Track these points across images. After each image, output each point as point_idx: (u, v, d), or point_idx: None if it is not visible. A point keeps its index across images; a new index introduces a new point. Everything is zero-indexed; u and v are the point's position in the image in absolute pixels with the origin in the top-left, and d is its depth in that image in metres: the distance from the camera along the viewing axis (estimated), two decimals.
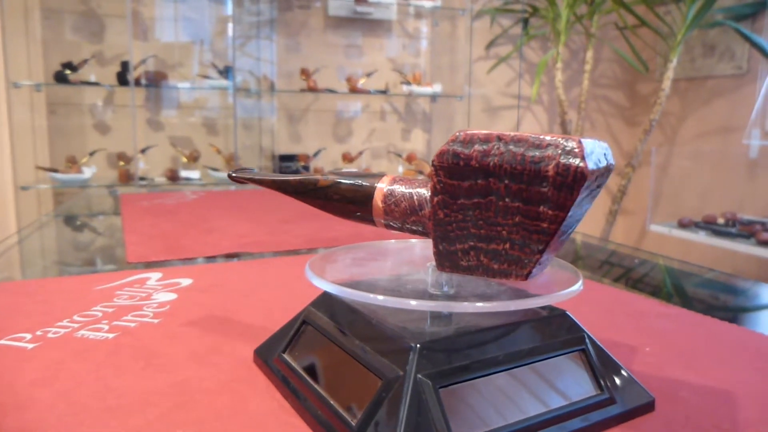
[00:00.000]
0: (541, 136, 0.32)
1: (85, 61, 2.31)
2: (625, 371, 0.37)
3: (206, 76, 2.52)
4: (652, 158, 3.14)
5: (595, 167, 0.31)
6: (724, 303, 0.68)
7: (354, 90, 2.71)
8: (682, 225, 2.55)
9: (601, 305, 0.60)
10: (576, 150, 0.31)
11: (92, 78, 2.33)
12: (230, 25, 2.55)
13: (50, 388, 0.41)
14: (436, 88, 2.85)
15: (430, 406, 0.30)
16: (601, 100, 3.34)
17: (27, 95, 2.28)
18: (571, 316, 0.38)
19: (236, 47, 2.56)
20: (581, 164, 0.30)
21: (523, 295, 0.38)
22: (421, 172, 2.84)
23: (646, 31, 3.00)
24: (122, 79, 2.34)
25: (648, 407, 0.37)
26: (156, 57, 2.48)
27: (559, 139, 0.31)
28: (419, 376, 0.31)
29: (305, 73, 2.64)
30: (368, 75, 2.76)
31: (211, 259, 0.79)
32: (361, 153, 2.80)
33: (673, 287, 0.74)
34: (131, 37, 2.33)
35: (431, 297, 0.38)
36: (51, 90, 2.33)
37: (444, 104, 3.04)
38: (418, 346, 0.32)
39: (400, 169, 2.90)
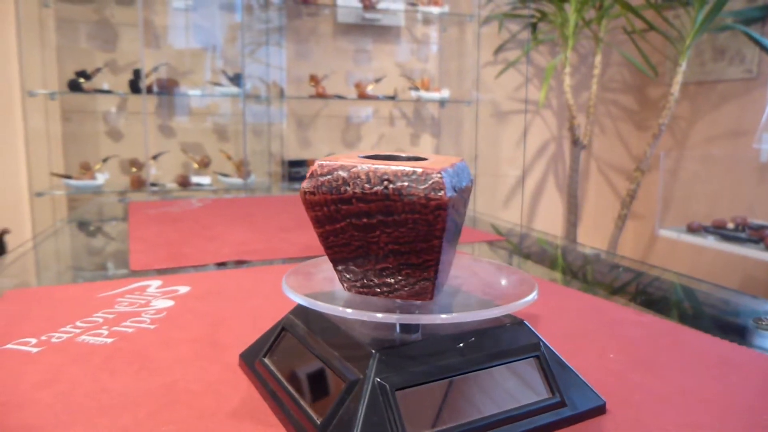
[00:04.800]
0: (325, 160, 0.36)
1: (98, 70, 2.36)
2: (578, 376, 0.40)
3: (217, 83, 2.57)
4: (661, 163, 3.14)
5: (314, 190, 0.35)
6: (699, 312, 0.70)
7: (363, 96, 2.74)
8: (692, 230, 2.55)
9: (577, 313, 0.62)
10: (311, 170, 0.35)
11: (105, 86, 2.39)
12: (241, 33, 2.60)
13: (50, 390, 0.44)
14: (445, 93, 2.88)
15: (386, 407, 0.33)
16: (611, 105, 3.35)
17: (42, 103, 2.35)
18: (528, 325, 0.41)
19: (246, 54, 2.61)
20: (303, 184, 0.36)
21: (487, 305, 0.41)
22: None
23: (654, 35, 3.00)
24: (134, 86, 2.40)
25: (599, 410, 0.39)
26: (168, 65, 2.53)
27: (322, 161, 0.36)
28: (377, 379, 0.34)
29: (314, 79, 2.68)
30: (377, 81, 2.80)
31: (210, 267, 0.82)
32: None
33: (653, 296, 0.77)
34: (143, 45, 2.39)
35: (400, 308, 0.41)
36: (65, 98, 2.39)
37: (452, 109, 3.06)
38: (377, 352, 0.35)
39: None
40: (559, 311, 0.62)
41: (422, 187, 0.33)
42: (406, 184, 0.33)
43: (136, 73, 2.40)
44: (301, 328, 0.43)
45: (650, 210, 3.28)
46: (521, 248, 1.07)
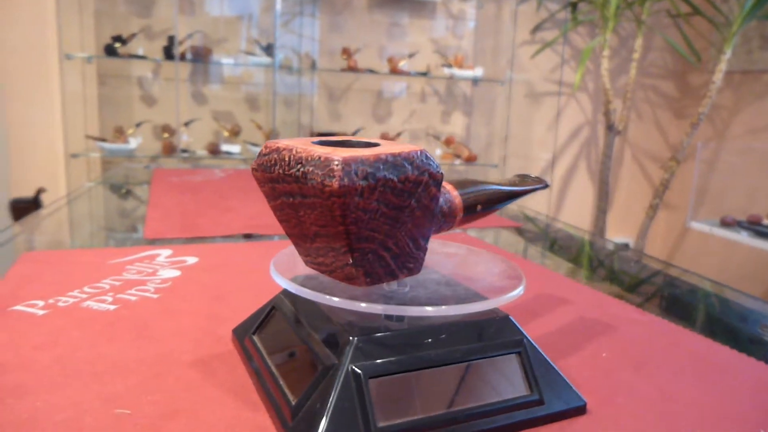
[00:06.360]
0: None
1: (134, 35, 2.39)
2: (560, 375, 0.40)
3: (251, 53, 2.57)
4: (697, 153, 3.05)
5: (257, 167, 0.37)
6: (706, 315, 0.69)
7: (394, 71, 2.72)
8: (725, 224, 2.48)
9: (578, 308, 0.61)
10: (261, 150, 0.37)
11: (140, 51, 2.41)
12: (275, 2, 2.59)
13: (49, 352, 0.46)
14: (478, 71, 2.83)
15: (358, 395, 0.34)
16: (650, 90, 3.25)
17: (79, 67, 2.39)
18: (512, 320, 0.41)
19: (280, 24, 2.60)
20: (252, 162, 0.38)
21: (472, 299, 0.41)
22: (458, 156, 2.85)
23: (700, 20, 2.89)
24: (169, 53, 2.42)
25: (579, 410, 0.39)
26: (202, 32, 2.54)
27: (269, 142, 0.37)
28: (352, 366, 0.34)
29: (346, 52, 2.66)
30: (410, 56, 2.76)
31: (221, 238, 0.84)
32: (399, 134, 2.82)
33: (662, 296, 0.75)
34: (177, 12, 2.40)
35: (386, 297, 0.41)
36: (101, 62, 2.43)
37: (485, 88, 3.01)
38: (355, 339, 0.35)
39: (438, 152, 2.90)
40: (560, 305, 0.61)
41: (320, 172, 0.32)
42: (311, 168, 0.33)
43: (171, 40, 2.42)
44: (290, 309, 0.43)
45: (683, 201, 3.20)
46: (537, 237, 1.05)
